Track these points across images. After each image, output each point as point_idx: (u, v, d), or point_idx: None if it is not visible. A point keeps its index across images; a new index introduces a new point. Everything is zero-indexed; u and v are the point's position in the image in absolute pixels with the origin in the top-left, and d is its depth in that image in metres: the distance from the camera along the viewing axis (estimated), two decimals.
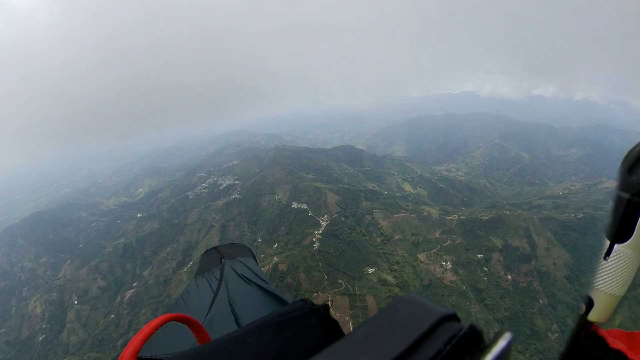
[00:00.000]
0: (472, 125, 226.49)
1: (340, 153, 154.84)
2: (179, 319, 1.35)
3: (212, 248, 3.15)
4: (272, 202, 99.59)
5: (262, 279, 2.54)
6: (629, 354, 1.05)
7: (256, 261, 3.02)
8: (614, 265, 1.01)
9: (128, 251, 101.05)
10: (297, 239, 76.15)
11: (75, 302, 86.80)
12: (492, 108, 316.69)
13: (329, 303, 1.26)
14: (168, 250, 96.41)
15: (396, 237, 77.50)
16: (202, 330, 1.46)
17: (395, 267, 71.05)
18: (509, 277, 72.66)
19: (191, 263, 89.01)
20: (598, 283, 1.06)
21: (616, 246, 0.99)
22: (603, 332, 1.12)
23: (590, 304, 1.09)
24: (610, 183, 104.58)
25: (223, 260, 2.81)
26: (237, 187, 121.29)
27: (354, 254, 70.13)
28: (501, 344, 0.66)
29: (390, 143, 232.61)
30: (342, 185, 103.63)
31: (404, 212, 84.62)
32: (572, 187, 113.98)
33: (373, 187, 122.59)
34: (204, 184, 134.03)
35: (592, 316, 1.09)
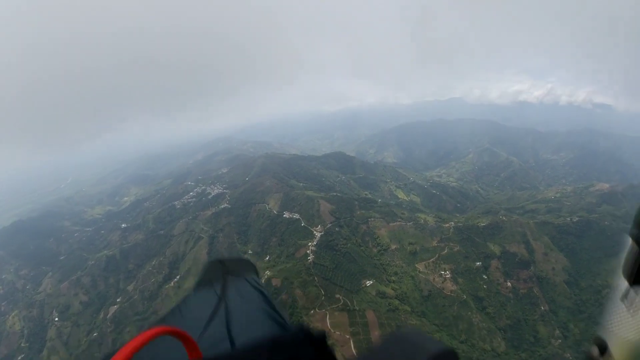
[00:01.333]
0: (461, 131, 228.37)
1: (331, 160, 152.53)
2: (174, 334, 1.30)
3: (216, 260, 2.91)
4: (263, 211, 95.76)
5: (265, 298, 2.37)
6: None
7: (258, 277, 2.77)
8: (633, 310, 0.97)
9: (111, 264, 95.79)
10: (290, 250, 72.59)
11: (56, 319, 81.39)
12: (480, 114, 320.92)
13: (326, 333, 1.24)
14: (154, 263, 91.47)
15: (393, 247, 74.97)
16: (196, 348, 1.41)
17: (393, 278, 68.36)
18: (509, 284, 71.26)
19: (178, 277, 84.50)
20: (615, 327, 1.02)
21: (633, 291, 0.97)
22: None
23: (603, 346, 1.06)
24: (599, 186, 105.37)
25: (226, 275, 2.64)
26: (226, 196, 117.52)
27: (350, 266, 67.17)
28: None
29: (380, 149, 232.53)
30: (334, 194, 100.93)
31: (400, 221, 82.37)
32: (564, 191, 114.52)
33: (366, 194, 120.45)
34: (191, 193, 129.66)
35: None
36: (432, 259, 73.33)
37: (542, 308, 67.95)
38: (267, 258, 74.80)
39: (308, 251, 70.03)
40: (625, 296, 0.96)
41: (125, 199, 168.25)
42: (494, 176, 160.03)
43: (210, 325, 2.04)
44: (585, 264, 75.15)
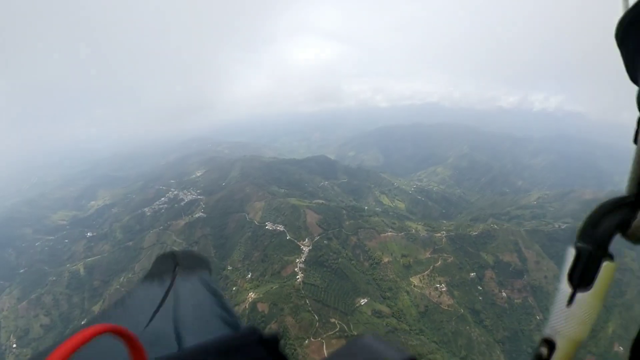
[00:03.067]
0: (439, 135, 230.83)
1: (313, 164, 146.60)
2: (115, 332, 1.13)
3: (168, 252, 2.75)
4: (243, 222, 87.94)
5: (216, 296, 2.22)
6: None
7: (211, 275, 2.57)
8: (578, 312, 1.08)
9: (75, 280, 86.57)
10: (276, 268, 65.72)
11: (14, 345, 71.73)
12: (456, 118, 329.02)
13: (279, 334, 1.20)
14: (122, 280, 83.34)
15: (385, 260, 70.28)
16: (139, 347, 1.22)
17: (388, 294, 63.66)
18: (504, 294, 69.30)
19: None
20: (561, 328, 1.12)
21: (579, 294, 1.07)
22: None
23: (551, 347, 1.13)
24: (581, 192, 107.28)
25: (177, 268, 2.47)
26: (201, 203, 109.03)
27: (342, 283, 61.65)
28: None
29: (359, 152, 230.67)
30: (320, 202, 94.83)
31: (391, 231, 77.94)
32: (546, 196, 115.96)
33: (350, 201, 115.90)
34: (162, 199, 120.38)
35: (556, 359, 1.15)
36: (426, 272, 69.69)
37: (538, 317, 66.65)
38: (249, 276, 67.18)
39: (296, 269, 63.42)
40: (570, 301, 1.09)
41: (92, 203, 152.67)
42: (474, 180, 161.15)
43: (154, 319, 1.87)
44: None
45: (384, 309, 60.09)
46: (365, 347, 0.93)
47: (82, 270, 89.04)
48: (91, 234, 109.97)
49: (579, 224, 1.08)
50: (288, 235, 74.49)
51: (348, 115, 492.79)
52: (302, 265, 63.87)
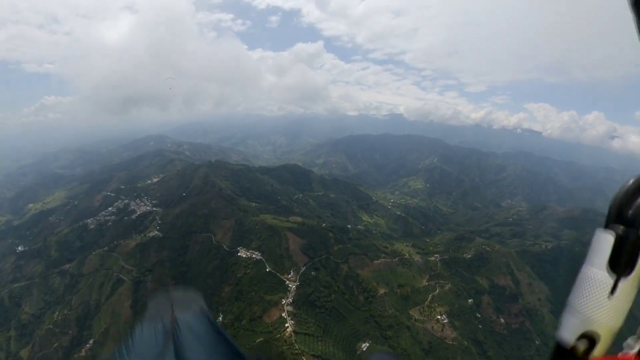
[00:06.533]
0: (407, 147, 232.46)
1: (285, 174, 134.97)
2: None
3: (162, 293, 2.78)
4: (208, 245, 73.96)
5: (216, 332, 2.29)
6: None
7: (209, 310, 2.60)
8: (621, 301, 1.06)
9: None
10: (256, 311, 53.29)
11: None
12: (422, 131, 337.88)
13: None
14: (55, 316, 67.85)
15: (381, 291, 62.17)
16: None
17: (389, 333, 55.89)
18: (502, 320, 66.16)
19: (91, 342, 61.15)
20: (603, 320, 1.10)
21: (621, 282, 1.05)
22: None
23: (591, 340, 1.13)
24: (553, 209, 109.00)
25: (174, 310, 2.47)
26: (157, 217, 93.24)
27: (339, 326, 52.16)
28: None
29: (327, 160, 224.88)
30: (298, 219, 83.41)
31: (384, 257, 70.25)
32: (519, 211, 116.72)
33: (328, 216, 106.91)
34: (110, 209, 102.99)
35: (597, 352, 1.14)
36: (425, 303, 63.65)
37: (537, 342, 64.45)
38: (219, 318, 53.70)
39: (284, 313, 51.62)
40: (613, 290, 1.05)
41: (30, 206, 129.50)
42: (446, 194, 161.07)
43: None
44: (562, 290, 75.24)
45: (388, 351, 51.63)
46: None
47: (7, 300, 72.83)
48: (22, 249, 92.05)
49: (611, 204, 1.02)
50: (268, 266, 62.36)
51: (315, 121, 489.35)
52: (290, 308, 52.43)
